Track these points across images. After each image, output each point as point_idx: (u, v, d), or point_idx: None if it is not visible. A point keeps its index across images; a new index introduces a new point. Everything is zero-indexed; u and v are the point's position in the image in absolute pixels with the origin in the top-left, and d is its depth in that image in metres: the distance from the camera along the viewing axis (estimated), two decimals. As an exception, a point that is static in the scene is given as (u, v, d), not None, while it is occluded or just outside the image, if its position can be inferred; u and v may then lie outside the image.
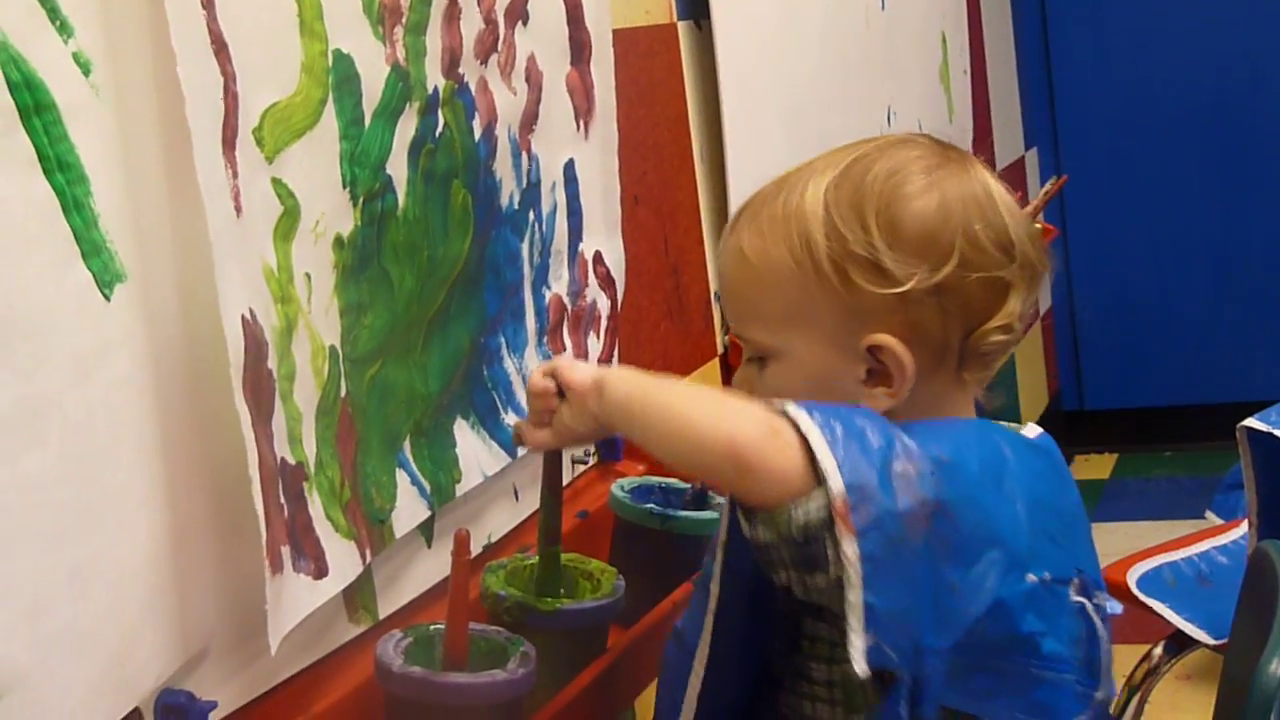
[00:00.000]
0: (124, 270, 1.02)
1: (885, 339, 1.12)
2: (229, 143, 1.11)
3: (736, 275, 1.19)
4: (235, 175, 1.11)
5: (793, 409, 1.05)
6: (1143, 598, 2.16)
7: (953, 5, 3.28)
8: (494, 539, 1.52)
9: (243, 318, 1.08)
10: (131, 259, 1.03)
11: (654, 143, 1.96)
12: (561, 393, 1.18)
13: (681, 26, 2.05)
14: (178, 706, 1.10)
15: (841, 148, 1.21)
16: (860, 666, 1.01)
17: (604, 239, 1.72)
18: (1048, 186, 3.40)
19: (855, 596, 1.01)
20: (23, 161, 0.95)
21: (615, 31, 1.74)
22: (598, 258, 1.71)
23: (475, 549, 1.47)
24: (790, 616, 1.15)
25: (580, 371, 1.17)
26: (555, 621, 1.32)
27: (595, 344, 1.71)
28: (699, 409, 1.07)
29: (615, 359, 1.74)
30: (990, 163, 3.63)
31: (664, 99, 2.00)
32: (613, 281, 1.73)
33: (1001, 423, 1.21)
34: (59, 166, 0.97)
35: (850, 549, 1.00)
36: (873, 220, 1.12)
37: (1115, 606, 1.17)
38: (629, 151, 1.83)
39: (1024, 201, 3.16)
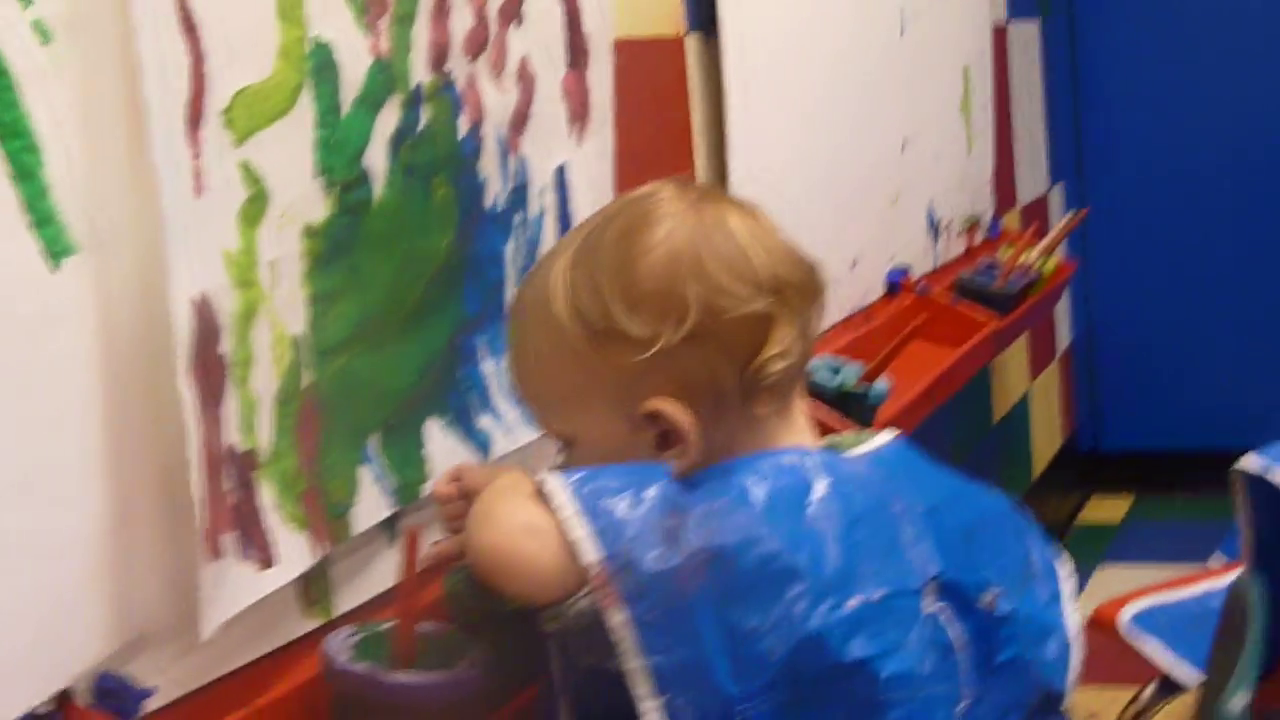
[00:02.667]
0: (75, 243, 1.01)
1: (657, 403, 1.11)
2: (194, 122, 1.10)
3: (514, 371, 1.21)
4: (198, 155, 1.10)
5: (551, 481, 1.05)
6: (1134, 637, 2.13)
7: (977, 38, 3.26)
8: (462, 542, 1.50)
9: (193, 300, 1.07)
10: (84, 232, 1.02)
11: (654, 154, 1.94)
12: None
13: (689, 39, 2.04)
14: (112, 690, 1.09)
15: (587, 219, 1.22)
16: None
17: (594, 246, 1.70)
18: (1064, 221, 3.39)
19: (635, 663, 1.01)
20: (-30, 128, 0.94)
21: (619, 41, 1.73)
22: (587, 265, 1.69)
23: (442, 551, 1.45)
24: None
25: (480, 479, 1.18)
26: (515, 625, 1.29)
27: (580, 351, 1.69)
28: (473, 525, 1.08)
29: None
30: (1012, 198, 3.62)
31: (667, 111, 1.99)
32: (601, 289, 1.71)
33: (844, 434, 1.21)
34: (9, 134, 0.96)
35: (617, 617, 1.01)
36: (608, 291, 1.12)
37: (1005, 605, 1.14)
38: (627, 161, 1.82)
39: (1041, 235, 3.12)
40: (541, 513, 1.04)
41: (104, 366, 1.04)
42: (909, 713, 1.06)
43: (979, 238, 3.29)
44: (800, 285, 1.15)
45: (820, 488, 1.09)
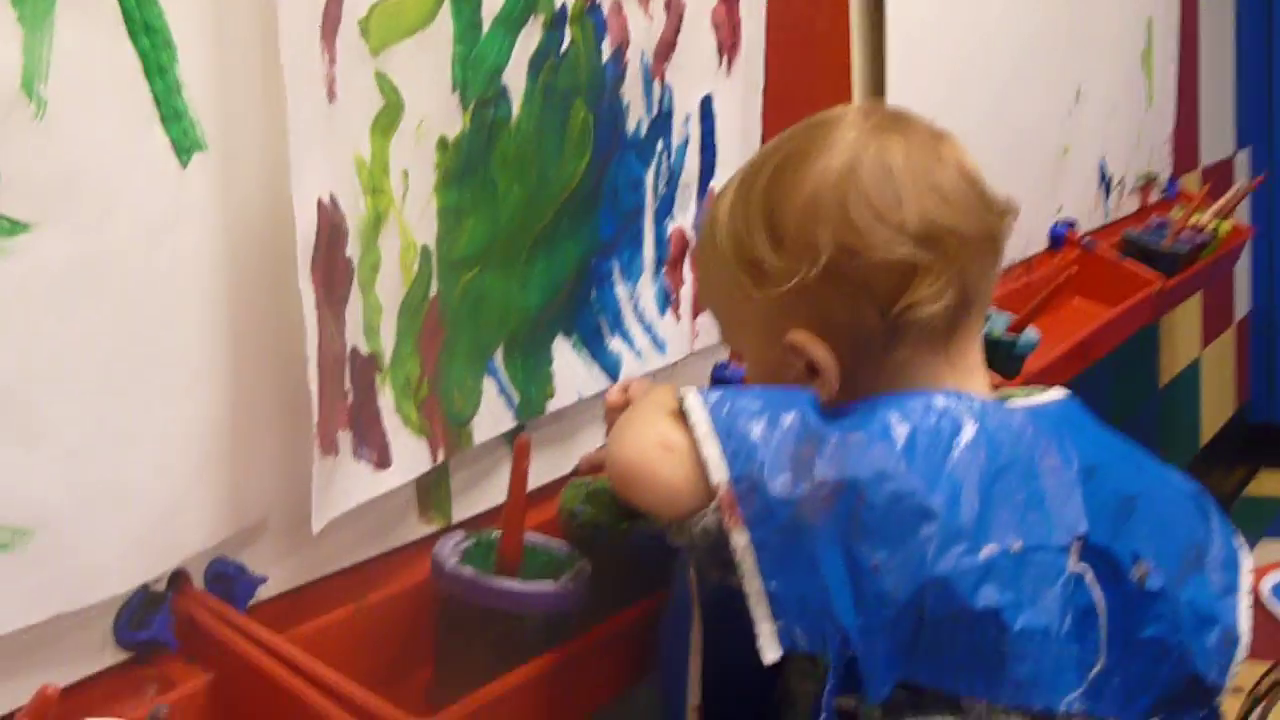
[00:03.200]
0: (203, 140, 1.04)
1: (795, 336, 1.11)
2: (329, 30, 1.12)
3: (697, 282, 1.22)
4: (333, 62, 1.12)
5: (690, 399, 1.06)
6: (1273, 606, 2.09)
7: (1164, -10, 3.18)
8: (586, 461, 1.52)
9: (319, 201, 1.10)
10: (214, 131, 1.05)
11: (809, 94, 1.93)
12: None
13: (853, -22, 2.03)
14: (226, 575, 1.13)
15: (772, 140, 1.21)
16: (769, 653, 1.01)
17: (738, 178, 1.70)
18: (1242, 183, 3.30)
19: (754, 585, 1.01)
20: (107, 22, 0.97)
21: (780, -26, 1.73)
22: (729, 196, 1.69)
23: (565, 468, 1.48)
24: None
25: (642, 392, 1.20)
26: (624, 543, 1.31)
27: (718, 283, 1.70)
28: (613, 437, 1.10)
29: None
30: (1193, 159, 3.54)
31: (826, 51, 1.98)
32: (743, 222, 1.71)
33: (1015, 388, 1.17)
34: (145, 30, 0.99)
35: (740, 539, 1.01)
36: (756, 223, 1.13)
37: (1156, 582, 1.11)
38: (781, 99, 1.82)
39: (1218, 197, 3.03)
40: (678, 429, 1.05)
41: (226, 263, 1.08)
42: (1037, 669, 1.05)
43: (1154, 197, 3.22)
44: (966, 232, 1.11)
45: (967, 434, 1.07)
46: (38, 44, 0.92)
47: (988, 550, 1.04)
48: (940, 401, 1.09)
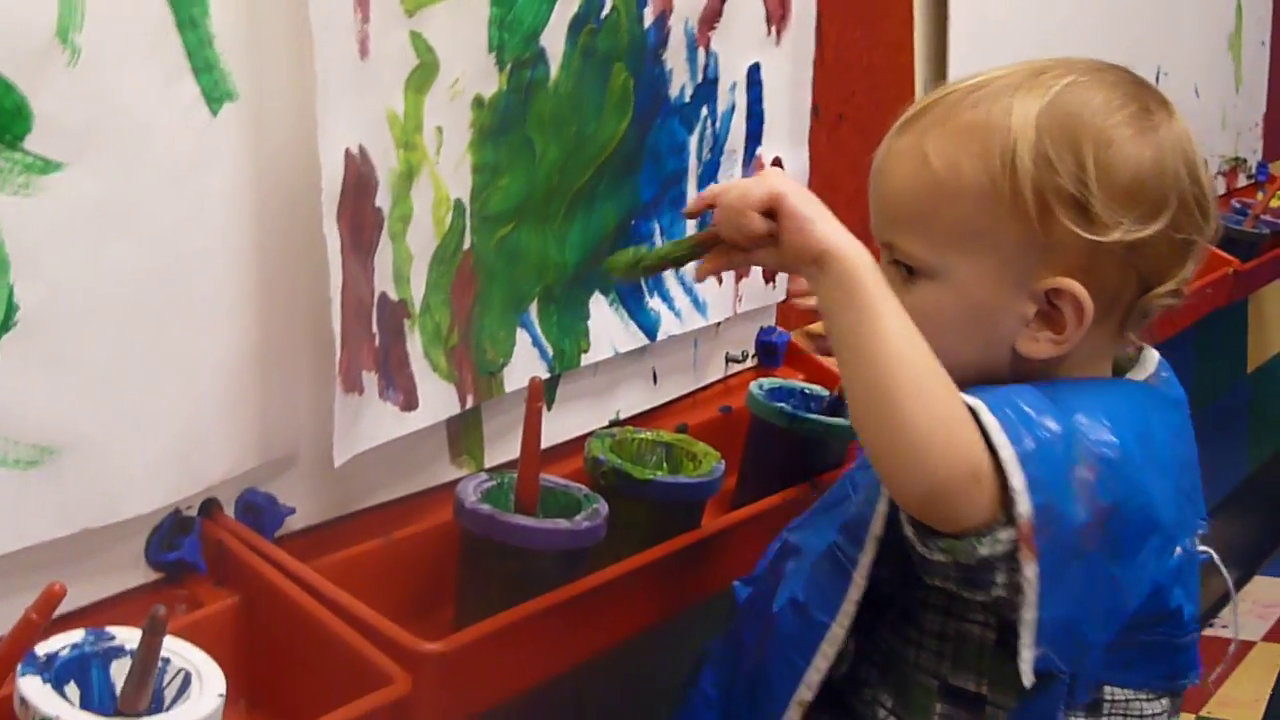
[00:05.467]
0: (234, 90, 1.10)
1: (1069, 284, 1.05)
2: (364, -10, 1.18)
3: (910, 181, 1.09)
4: (366, 20, 1.18)
5: (987, 416, 0.99)
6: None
7: (1255, -29, 3.17)
8: (621, 415, 1.57)
9: (347, 151, 1.15)
10: (245, 82, 1.11)
11: (867, 65, 1.96)
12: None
13: (915, -48, 2.05)
14: (256, 505, 1.20)
15: (1033, 65, 1.13)
16: (1028, 678, 1.01)
17: (787, 147, 1.74)
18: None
19: (1030, 615, 1.00)
20: (140, -23, 1.04)
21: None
22: (777, 164, 1.73)
23: (601, 422, 1.53)
24: (902, 550, 1.07)
25: (812, 226, 1.05)
26: (647, 491, 1.36)
27: (764, 248, 1.74)
28: (912, 405, 0.98)
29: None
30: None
31: (885, 23, 2.01)
32: (791, 189, 1.75)
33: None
34: (177, -15, 1.06)
35: (1031, 570, 0.98)
36: (1089, 158, 1.05)
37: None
38: (839, 70, 1.86)
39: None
40: (983, 453, 0.98)
41: (256, 206, 1.14)
42: (1190, 655, 1.10)
43: (1242, 181, 3.21)
44: (1213, 234, 1.11)
45: (1159, 431, 1.07)
46: (72, -4, 0.99)
47: (1178, 552, 1.07)
48: (1134, 396, 1.10)
